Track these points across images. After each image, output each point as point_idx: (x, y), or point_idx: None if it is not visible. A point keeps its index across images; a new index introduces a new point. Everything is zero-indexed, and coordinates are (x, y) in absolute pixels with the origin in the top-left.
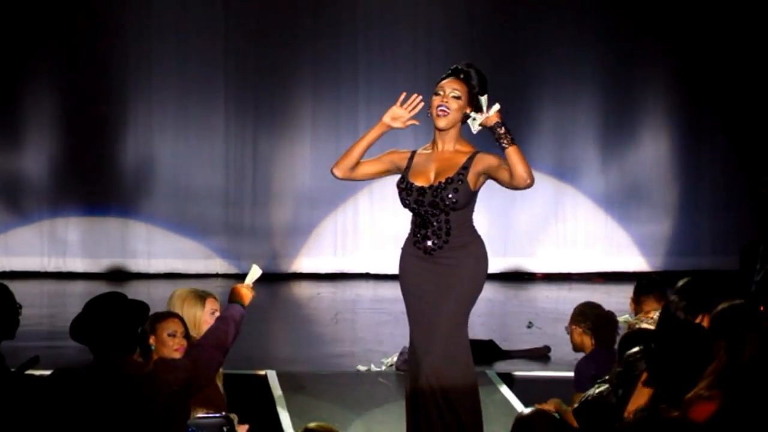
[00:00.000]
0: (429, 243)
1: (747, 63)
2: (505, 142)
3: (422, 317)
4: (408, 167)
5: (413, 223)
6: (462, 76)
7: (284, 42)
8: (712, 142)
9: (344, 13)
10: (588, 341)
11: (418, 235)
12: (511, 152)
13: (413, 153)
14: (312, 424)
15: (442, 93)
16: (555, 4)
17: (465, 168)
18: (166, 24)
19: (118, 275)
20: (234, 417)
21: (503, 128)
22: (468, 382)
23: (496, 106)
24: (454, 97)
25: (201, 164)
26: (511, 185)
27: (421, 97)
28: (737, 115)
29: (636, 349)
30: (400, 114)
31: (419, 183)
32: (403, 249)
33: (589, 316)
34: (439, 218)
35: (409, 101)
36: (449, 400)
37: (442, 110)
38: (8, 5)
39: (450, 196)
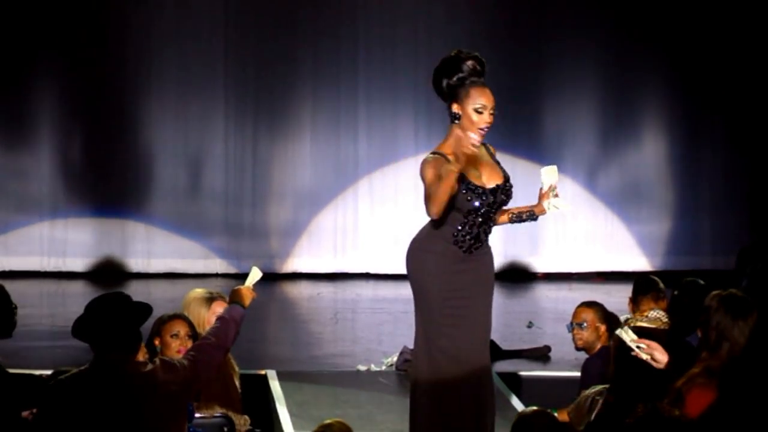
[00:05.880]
0: (480, 240)
1: (747, 63)
2: (515, 220)
3: (468, 314)
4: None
5: (460, 223)
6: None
7: (284, 42)
8: (712, 142)
9: (344, 12)
10: (604, 335)
11: (467, 236)
12: (503, 221)
13: (444, 157)
14: (328, 420)
15: (486, 112)
16: (555, 3)
17: (499, 162)
18: (167, 24)
19: (118, 275)
20: (246, 420)
21: (530, 220)
22: None
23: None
24: (493, 114)
25: (201, 164)
26: None
27: None
28: (737, 115)
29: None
30: None
31: (489, 185)
32: (435, 251)
33: (604, 311)
34: (494, 216)
35: None
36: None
37: (486, 130)
38: (11, 5)
39: (512, 191)
